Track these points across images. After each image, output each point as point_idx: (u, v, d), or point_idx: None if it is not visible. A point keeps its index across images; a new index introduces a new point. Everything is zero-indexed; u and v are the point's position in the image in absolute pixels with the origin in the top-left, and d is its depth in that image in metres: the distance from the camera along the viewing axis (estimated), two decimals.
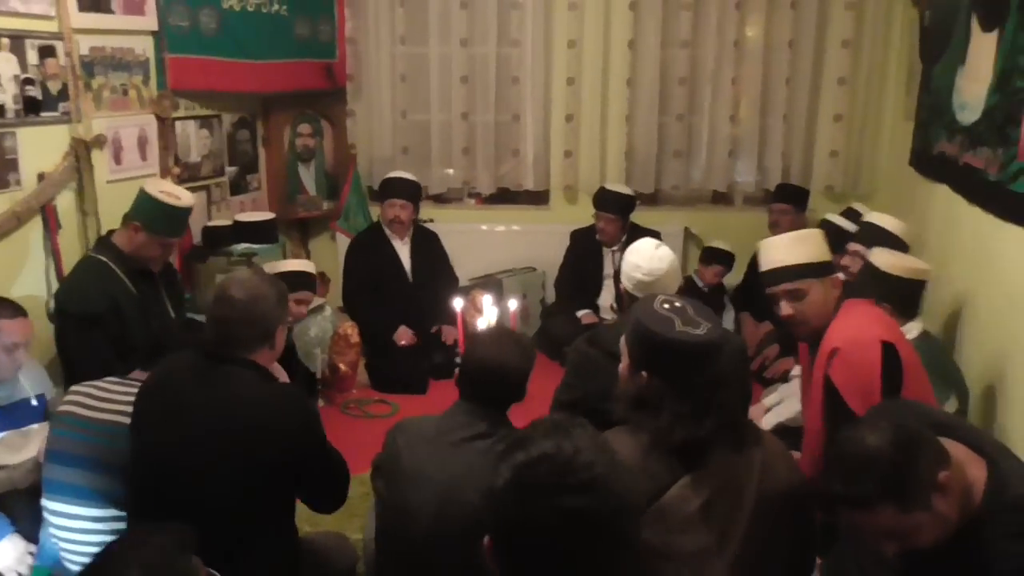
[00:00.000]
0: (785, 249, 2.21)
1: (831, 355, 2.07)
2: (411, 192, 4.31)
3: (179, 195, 3.08)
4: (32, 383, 2.64)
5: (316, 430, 1.98)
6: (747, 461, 1.57)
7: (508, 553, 1.04)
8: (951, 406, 2.50)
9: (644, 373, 1.61)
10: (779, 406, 3.22)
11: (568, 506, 0.99)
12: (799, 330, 2.25)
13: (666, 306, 1.61)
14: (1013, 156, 2.63)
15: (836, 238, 3.67)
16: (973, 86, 3.08)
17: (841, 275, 2.34)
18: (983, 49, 2.98)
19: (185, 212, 3.08)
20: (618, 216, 4.35)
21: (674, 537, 1.50)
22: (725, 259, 4.52)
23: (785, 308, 2.20)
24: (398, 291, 4.32)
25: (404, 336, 4.24)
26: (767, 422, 3.08)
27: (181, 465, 1.87)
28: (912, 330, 2.56)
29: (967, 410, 2.63)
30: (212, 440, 1.84)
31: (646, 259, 2.37)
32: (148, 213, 3.00)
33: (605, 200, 4.38)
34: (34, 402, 2.62)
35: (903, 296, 2.60)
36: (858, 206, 4.03)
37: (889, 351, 2.04)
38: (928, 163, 3.72)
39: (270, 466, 1.86)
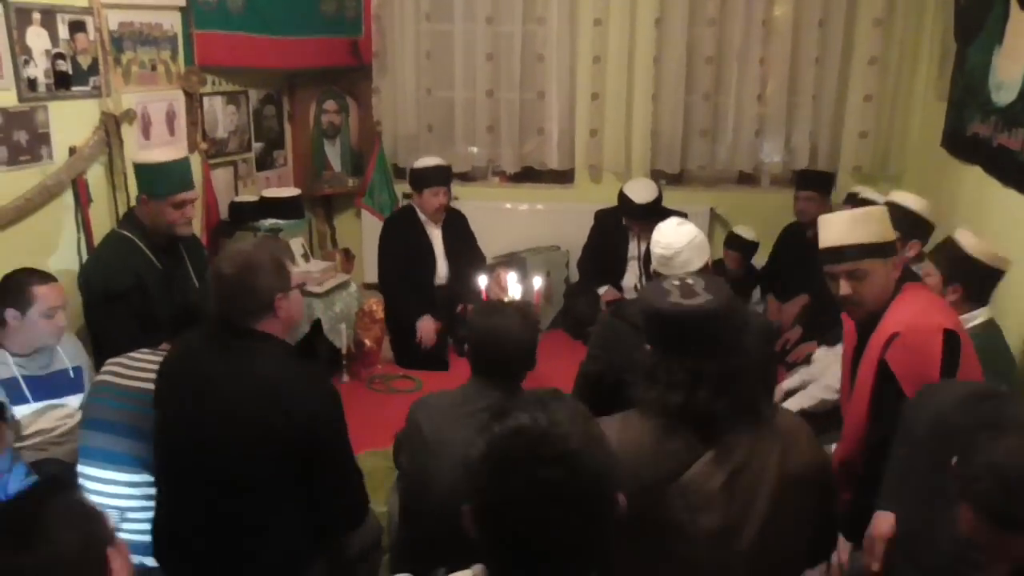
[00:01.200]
0: (848, 227, 2.12)
1: (890, 339, 2.01)
2: (449, 177, 4.31)
3: (167, 151, 3.17)
4: (69, 354, 2.72)
5: (336, 413, 1.96)
6: (768, 439, 1.56)
7: (485, 522, 1.05)
8: None
9: (648, 346, 1.63)
10: (802, 392, 3.18)
11: (541, 478, 0.99)
12: (855, 311, 2.19)
13: (675, 282, 1.63)
14: None
15: None
16: (1011, 66, 3.02)
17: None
18: (1022, 28, 2.92)
19: (177, 165, 3.10)
20: (646, 222, 4.27)
21: (696, 514, 1.51)
22: (745, 247, 4.46)
23: (844, 287, 2.13)
24: (431, 275, 4.33)
25: (427, 334, 4.15)
26: (790, 406, 3.07)
27: (202, 438, 1.89)
28: (978, 317, 2.47)
29: None
30: (232, 413, 1.86)
31: (666, 234, 2.38)
32: (145, 180, 3.08)
33: (632, 211, 4.30)
34: (71, 373, 2.69)
35: (980, 281, 2.49)
36: (860, 189, 3.93)
37: (951, 339, 1.99)
38: (961, 144, 3.66)
39: (286, 442, 1.85)
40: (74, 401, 2.66)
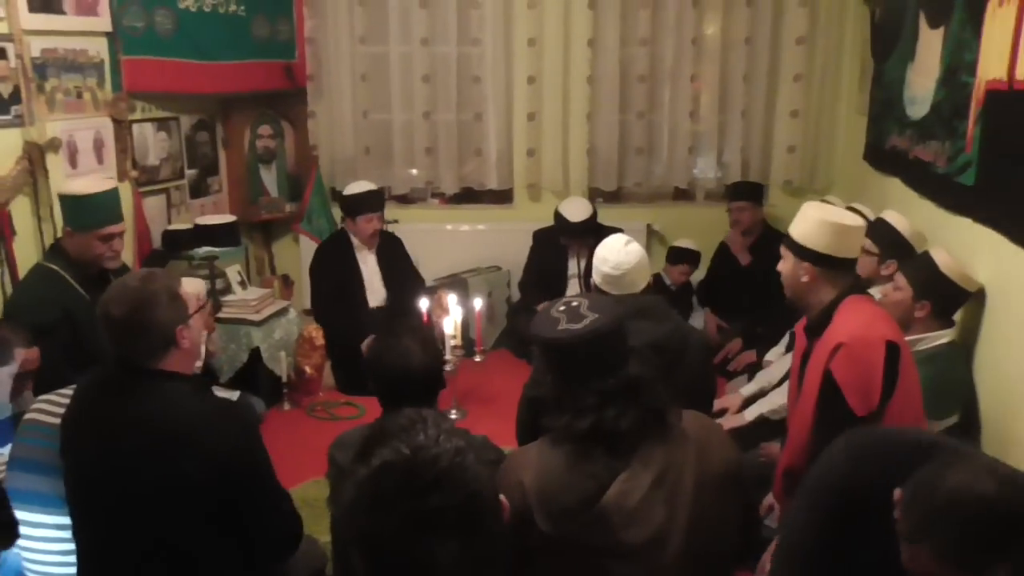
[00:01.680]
0: (800, 218, 2.23)
1: (835, 350, 2.06)
2: (381, 202, 4.29)
3: (93, 182, 3.07)
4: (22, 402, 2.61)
5: (252, 446, 1.88)
6: (680, 447, 1.58)
7: (374, 564, 1.02)
8: (950, 420, 2.47)
9: (549, 377, 1.65)
10: (763, 399, 3.21)
11: (419, 510, 0.97)
12: (785, 290, 2.30)
13: (561, 308, 1.64)
14: (960, 149, 2.71)
15: None
16: (922, 81, 3.16)
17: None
18: (930, 45, 3.06)
19: (103, 196, 3.02)
20: (586, 241, 4.32)
21: (620, 533, 1.52)
22: (691, 258, 4.58)
23: (780, 264, 2.27)
24: (365, 299, 4.29)
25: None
26: (750, 413, 3.10)
27: (113, 491, 1.79)
28: (944, 337, 2.53)
29: (960, 425, 2.53)
30: (141, 463, 1.76)
31: (614, 253, 2.40)
32: (70, 212, 3.00)
33: (569, 231, 4.37)
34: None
35: (947, 300, 2.55)
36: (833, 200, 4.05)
37: (892, 351, 2.04)
38: (881, 157, 3.81)
39: (203, 487, 1.76)
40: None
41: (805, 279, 2.19)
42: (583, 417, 1.55)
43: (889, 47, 3.69)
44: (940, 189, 2.94)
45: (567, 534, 1.52)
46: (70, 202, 3.00)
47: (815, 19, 4.58)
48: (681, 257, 4.57)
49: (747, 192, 4.47)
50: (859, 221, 2.23)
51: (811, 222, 2.19)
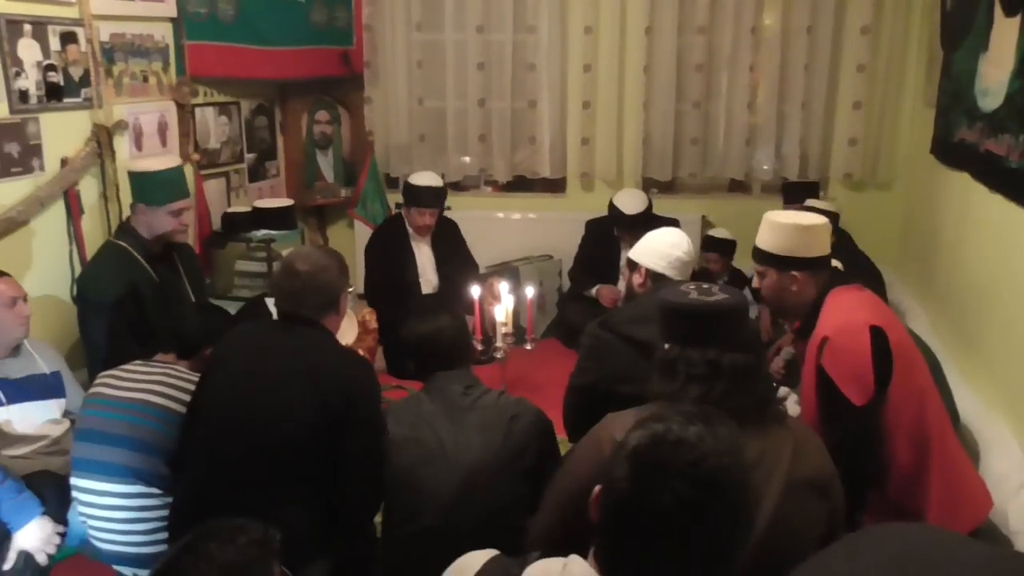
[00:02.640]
0: (766, 230, 2.27)
1: (821, 345, 2.08)
2: (440, 199, 4.27)
3: (162, 160, 3.17)
4: (47, 360, 2.70)
5: (377, 393, 2.09)
6: (779, 442, 1.57)
7: (614, 517, 1.07)
8: None
9: (666, 344, 1.66)
10: (788, 402, 3.18)
11: (688, 497, 1.02)
12: (765, 302, 2.37)
13: (691, 286, 1.70)
14: None
15: None
16: (995, 72, 3.05)
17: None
18: (1006, 34, 2.95)
19: (171, 173, 3.12)
20: (640, 232, 4.29)
21: None
22: (723, 247, 4.45)
23: (755, 279, 2.36)
24: (417, 284, 4.32)
25: None
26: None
27: (257, 397, 1.97)
28: None
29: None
30: (283, 382, 1.96)
31: (684, 239, 2.52)
32: (141, 188, 3.07)
33: (622, 223, 4.31)
34: (49, 379, 2.67)
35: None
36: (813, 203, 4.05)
37: (878, 335, 2.04)
38: (948, 150, 3.69)
39: (333, 412, 1.94)
40: (54, 404, 2.65)
41: (794, 288, 2.22)
42: (693, 384, 1.58)
43: (960, 36, 3.57)
44: (1012, 183, 2.83)
45: None
46: (142, 179, 3.08)
47: (880, 7, 4.45)
48: (713, 246, 4.47)
49: (799, 192, 4.37)
50: (822, 218, 2.30)
51: (784, 231, 2.23)
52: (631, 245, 4.30)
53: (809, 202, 4.09)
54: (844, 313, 2.11)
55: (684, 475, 1.04)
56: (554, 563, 1.11)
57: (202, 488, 1.99)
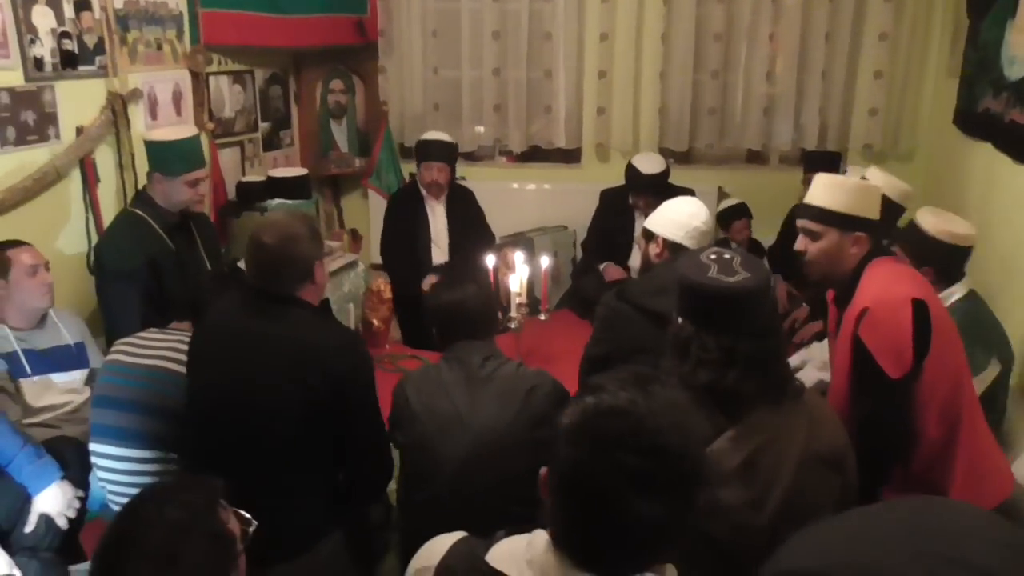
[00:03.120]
0: (824, 189, 2.15)
1: (860, 315, 2.02)
2: (448, 154, 4.25)
3: (178, 130, 3.14)
4: (71, 330, 2.73)
5: (368, 376, 2.04)
6: (792, 419, 1.56)
7: (562, 493, 1.05)
8: (993, 370, 2.45)
9: (680, 319, 1.63)
10: (801, 373, 3.16)
11: (630, 465, 0.99)
12: (806, 269, 2.22)
13: (712, 256, 1.62)
14: None
15: None
16: (1023, 40, 2.99)
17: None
18: None
19: (188, 143, 3.11)
20: (655, 199, 4.25)
21: (715, 490, 1.51)
22: (739, 212, 4.37)
23: (799, 242, 2.19)
24: (429, 249, 4.31)
25: (430, 282, 4.19)
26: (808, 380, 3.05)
27: (237, 397, 1.94)
28: (956, 293, 2.49)
29: (1010, 372, 2.56)
30: (268, 372, 1.92)
31: (702, 209, 2.46)
32: (160, 158, 3.06)
33: (639, 183, 4.24)
34: (73, 349, 2.71)
35: (946, 262, 2.51)
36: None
37: (920, 308, 1.99)
38: (972, 121, 3.62)
39: (320, 401, 1.91)
40: (78, 375, 2.68)
41: (854, 250, 2.12)
42: (704, 369, 1.54)
43: (987, 4, 3.49)
44: None
45: None
46: (159, 148, 3.08)
47: None
48: (734, 214, 4.37)
49: (821, 161, 4.30)
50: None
51: (851, 189, 2.12)
52: (646, 214, 4.32)
53: (870, 172, 3.95)
54: (885, 284, 2.05)
55: (623, 445, 0.99)
56: (519, 540, 1.09)
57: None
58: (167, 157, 3.04)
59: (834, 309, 2.29)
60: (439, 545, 1.17)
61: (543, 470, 1.07)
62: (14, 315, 2.59)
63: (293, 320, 1.98)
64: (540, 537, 1.07)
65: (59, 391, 2.60)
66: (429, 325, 2.27)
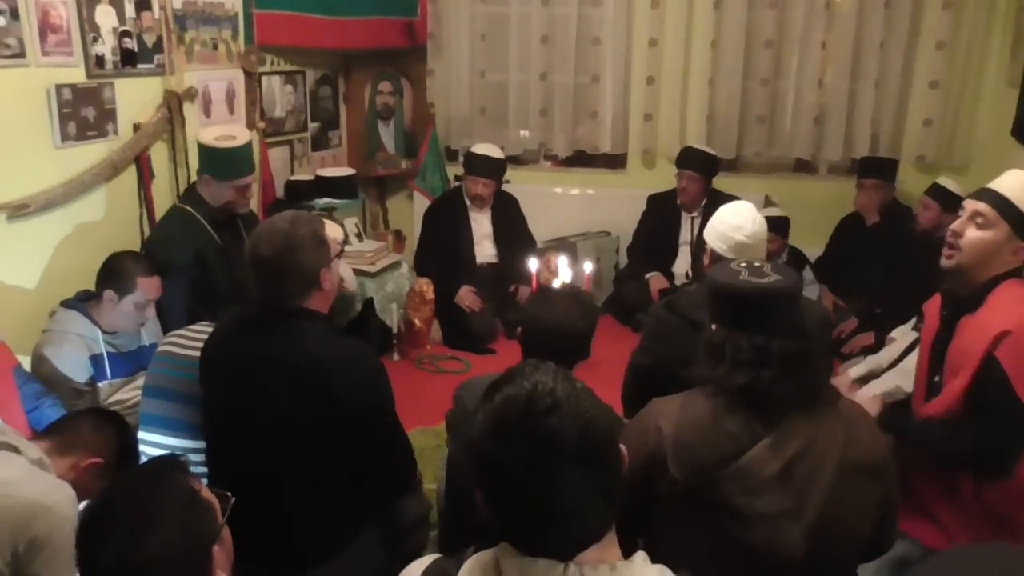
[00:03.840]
0: (1018, 184, 2.01)
1: (1000, 336, 1.92)
2: (496, 170, 4.29)
3: (233, 135, 3.16)
4: (149, 332, 2.83)
5: (382, 387, 1.96)
6: (830, 426, 1.54)
7: (495, 496, 1.06)
8: None
9: (714, 325, 1.63)
10: (876, 381, 3.05)
11: (539, 430, 1.01)
12: (951, 255, 2.06)
13: (743, 264, 1.63)
14: None
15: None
16: None
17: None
18: None
19: (242, 150, 3.14)
20: (701, 175, 4.28)
21: (751, 498, 1.50)
22: (777, 225, 4.24)
23: (959, 223, 2.04)
24: (472, 256, 4.34)
25: (467, 298, 4.25)
26: (863, 393, 2.97)
27: (249, 419, 1.90)
28: None
29: None
30: (279, 393, 1.86)
31: (749, 222, 2.33)
32: (210, 162, 3.11)
33: (689, 157, 4.32)
34: (148, 348, 2.79)
35: None
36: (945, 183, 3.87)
37: None
38: None
39: (334, 418, 1.85)
40: None
41: (1010, 257, 1.99)
42: (740, 371, 1.53)
43: None
44: None
45: (697, 487, 1.50)
46: (212, 154, 3.12)
47: None
48: (770, 226, 4.29)
49: (878, 168, 4.23)
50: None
51: (1018, 180, 1.98)
52: (692, 221, 4.32)
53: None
54: None
55: (526, 416, 1.02)
56: (486, 553, 1.10)
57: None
58: (216, 161, 3.09)
59: (935, 318, 2.16)
60: (413, 569, 1.19)
61: (477, 493, 1.08)
62: (104, 323, 2.68)
63: (299, 338, 1.88)
64: (504, 545, 1.08)
65: (128, 389, 2.68)
66: (521, 331, 2.13)
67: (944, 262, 2.08)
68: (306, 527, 1.96)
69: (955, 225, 2.06)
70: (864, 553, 1.67)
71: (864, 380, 3.08)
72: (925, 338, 2.26)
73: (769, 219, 4.25)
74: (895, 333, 3.28)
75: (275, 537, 1.92)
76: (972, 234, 2.01)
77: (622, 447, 1.09)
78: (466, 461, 1.10)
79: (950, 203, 3.86)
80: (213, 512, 1.29)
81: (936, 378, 2.14)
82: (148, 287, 2.68)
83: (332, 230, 2.31)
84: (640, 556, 1.09)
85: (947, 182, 3.92)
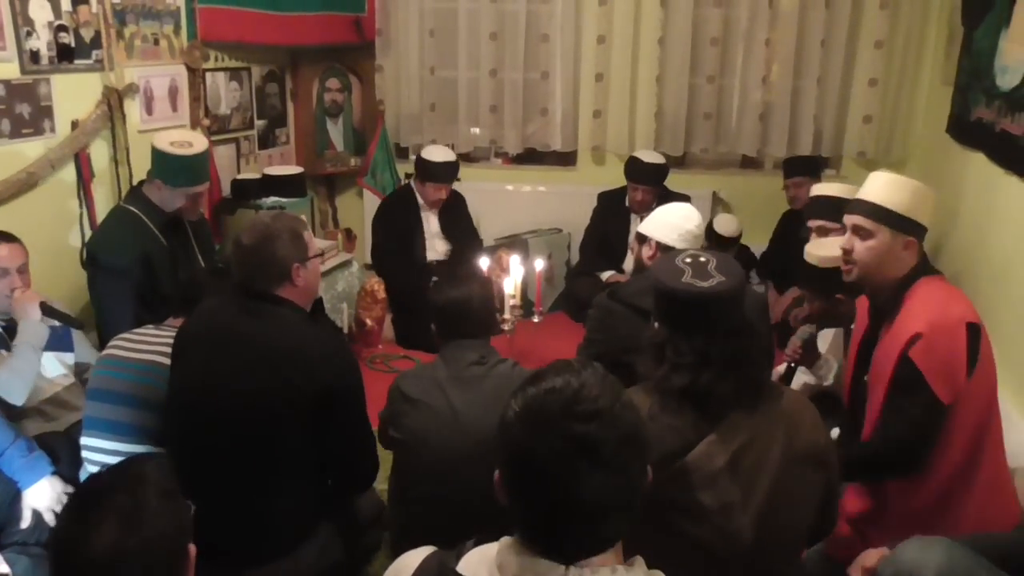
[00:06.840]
0: (882, 185, 2.09)
1: (913, 339, 1.97)
2: (455, 174, 4.27)
3: (191, 142, 3.07)
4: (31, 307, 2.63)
5: (352, 375, 2.04)
6: (772, 419, 1.56)
7: (516, 484, 1.07)
8: None
9: (656, 323, 1.64)
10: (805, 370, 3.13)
11: (575, 433, 1.02)
12: (848, 269, 2.14)
13: (687, 260, 1.62)
14: None
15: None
16: (1017, 49, 3.01)
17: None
18: None
19: (198, 159, 3.05)
20: (654, 187, 4.31)
21: (699, 493, 1.52)
22: (722, 244, 4.33)
23: (845, 240, 2.12)
24: (424, 255, 4.33)
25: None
26: (795, 383, 3.03)
27: (219, 397, 1.93)
28: None
29: None
30: (250, 373, 1.91)
31: (694, 212, 2.49)
32: (165, 168, 3.00)
33: (641, 172, 4.29)
34: (59, 331, 2.66)
35: None
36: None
37: (973, 331, 1.96)
38: (965, 130, 3.65)
39: (303, 402, 1.90)
40: (67, 359, 2.67)
41: (904, 253, 2.06)
42: (679, 373, 1.55)
43: (981, 13, 3.52)
44: None
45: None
46: (166, 159, 2.99)
47: None
48: (711, 240, 4.32)
49: (802, 167, 4.32)
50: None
51: (909, 189, 2.05)
52: (642, 214, 4.35)
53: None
54: (940, 307, 1.99)
55: (566, 415, 1.03)
56: (488, 547, 1.11)
57: (187, 484, 1.99)
58: (170, 168, 2.99)
59: (865, 319, 2.23)
60: (409, 561, 1.17)
61: (496, 474, 1.09)
62: None
63: (277, 321, 1.99)
64: (507, 540, 1.08)
65: (44, 373, 2.56)
66: (430, 321, 2.26)
67: (846, 278, 2.18)
68: (265, 518, 1.96)
69: (843, 243, 2.15)
70: (809, 538, 1.71)
71: (789, 375, 3.15)
72: (855, 337, 2.33)
73: (714, 234, 4.34)
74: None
75: (233, 529, 1.92)
76: (859, 247, 2.09)
77: (648, 467, 1.10)
78: (494, 440, 1.10)
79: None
80: (189, 509, 1.33)
81: (864, 378, 2.20)
82: (2, 255, 2.50)
83: (317, 242, 2.39)
84: (640, 561, 1.10)
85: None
